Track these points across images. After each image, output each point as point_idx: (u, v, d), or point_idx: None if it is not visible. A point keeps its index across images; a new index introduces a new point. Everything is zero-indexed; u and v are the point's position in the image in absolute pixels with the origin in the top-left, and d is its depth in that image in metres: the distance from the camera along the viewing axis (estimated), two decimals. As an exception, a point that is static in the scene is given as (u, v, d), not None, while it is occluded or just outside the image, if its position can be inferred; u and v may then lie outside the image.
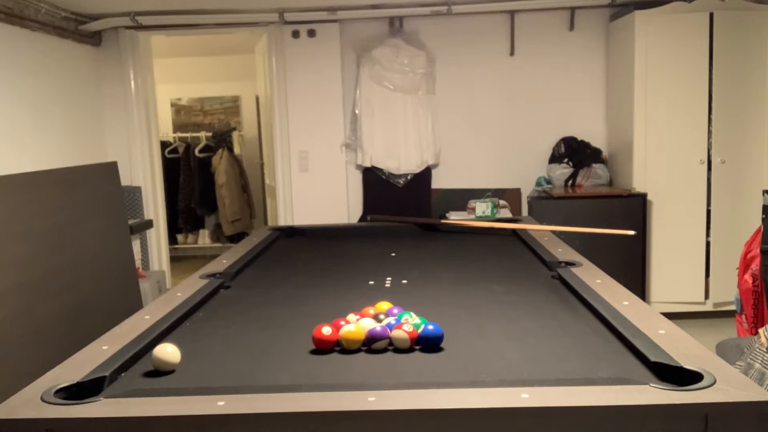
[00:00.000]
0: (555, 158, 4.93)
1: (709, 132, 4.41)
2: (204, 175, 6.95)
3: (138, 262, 4.59)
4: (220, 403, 1.23)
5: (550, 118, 4.99)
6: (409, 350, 1.57)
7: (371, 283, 2.29)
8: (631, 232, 3.04)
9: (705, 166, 4.43)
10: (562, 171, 4.82)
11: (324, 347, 1.58)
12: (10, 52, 3.87)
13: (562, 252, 2.55)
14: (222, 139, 6.99)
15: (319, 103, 4.95)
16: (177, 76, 7.12)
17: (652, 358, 1.38)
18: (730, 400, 1.18)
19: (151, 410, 1.23)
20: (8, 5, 3.79)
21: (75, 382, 1.36)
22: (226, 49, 6.84)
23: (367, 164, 4.96)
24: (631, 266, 4.38)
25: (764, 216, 3.11)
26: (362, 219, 4.40)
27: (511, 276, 2.33)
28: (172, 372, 1.48)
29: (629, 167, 4.58)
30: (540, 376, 1.39)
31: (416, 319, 1.66)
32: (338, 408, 1.22)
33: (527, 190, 4.93)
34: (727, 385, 1.23)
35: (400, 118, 4.92)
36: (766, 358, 2.21)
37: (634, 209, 4.40)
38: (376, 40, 4.89)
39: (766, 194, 3.15)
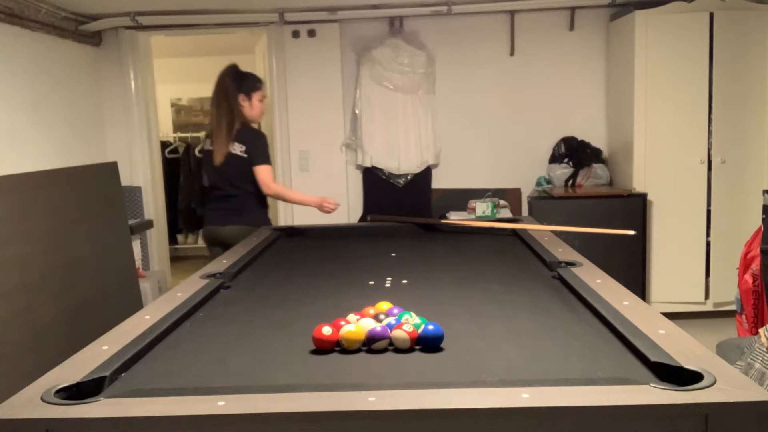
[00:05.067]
0: (555, 158, 4.93)
1: (709, 132, 4.41)
2: (204, 175, 6.94)
3: (138, 262, 4.59)
4: (220, 403, 1.23)
5: (550, 118, 4.99)
6: (409, 350, 1.56)
7: (371, 283, 2.29)
8: (631, 232, 3.04)
9: (705, 166, 4.43)
10: (562, 171, 4.82)
11: (324, 347, 1.58)
12: (10, 52, 3.87)
13: (563, 252, 2.55)
14: (222, 139, 6.99)
15: (319, 103, 4.95)
16: (177, 76, 7.12)
17: (653, 358, 1.38)
18: (731, 400, 1.18)
19: (151, 410, 1.23)
20: (8, 5, 3.80)
21: (75, 382, 1.36)
22: (226, 49, 6.83)
23: (367, 164, 4.96)
24: (631, 266, 4.39)
25: (764, 216, 3.11)
26: (362, 219, 4.39)
27: (512, 276, 2.33)
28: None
29: (629, 167, 4.58)
30: (540, 376, 1.39)
31: (416, 319, 1.65)
32: (338, 408, 1.22)
33: (527, 190, 4.93)
34: (728, 385, 1.23)
35: (400, 118, 4.93)
36: (766, 358, 2.21)
37: (634, 209, 4.40)
38: (376, 40, 4.89)
39: (766, 194, 3.15)
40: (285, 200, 3.63)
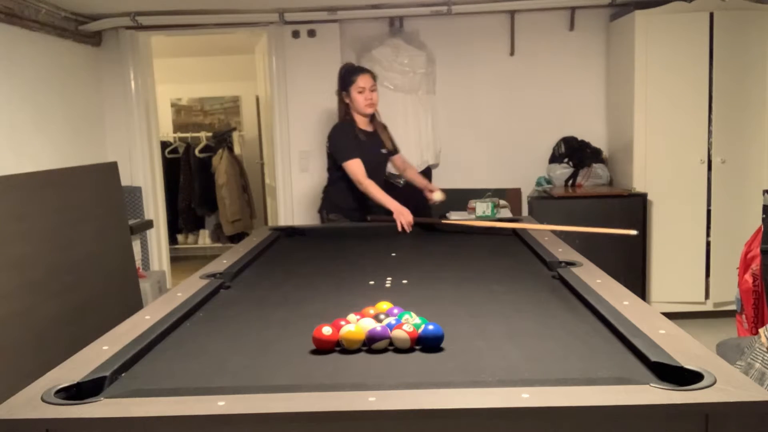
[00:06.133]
0: (555, 158, 4.93)
1: (709, 132, 4.41)
2: (204, 175, 6.95)
3: (138, 262, 4.59)
4: (220, 403, 1.23)
5: (550, 118, 4.99)
6: (410, 350, 1.57)
7: (371, 283, 2.29)
8: (633, 232, 3.04)
9: (705, 166, 4.43)
10: (563, 171, 4.82)
11: (324, 347, 1.58)
12: (10, 52, 3.87)
13: (563, 252, 2.55)
14: (222, 139, 7.00)
15: (319, 103, 4.94)
16: (177, 76, 7.12)
17: (653, 358, 1.38)
18: (731, 400, 1.18)
19: (151, 410, 1.23)
20: (8, 5, 3.79)
21: (75, 382, 1.36)
22: (226, 49, 6.84)
23: (367, 164, 4.95)
24: (631, 266, 4.38)
25: (764, 216, 3.11)
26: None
27: (512, 276, 2.33)
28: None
29: (629, 167, 4.58)
30: (540, 376, 1.39)
31: (416, 319, 1.65)
32: (338, 408, 1.22)
33: (527, 190, 4.93)
34: (728, 385, 1.23)
35: (400, 118, 4.91)
36: (766, 358, 2.21)
37: (634, 209, 4.39)
38: (376, 40, 4.89)
39: (766, 194, 3.15)
40: (372, 198, 3.61)
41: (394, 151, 3.93)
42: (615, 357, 1.48)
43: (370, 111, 3.69)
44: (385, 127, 3.89)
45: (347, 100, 3.67)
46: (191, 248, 7.20)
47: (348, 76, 3.66)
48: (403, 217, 3.36)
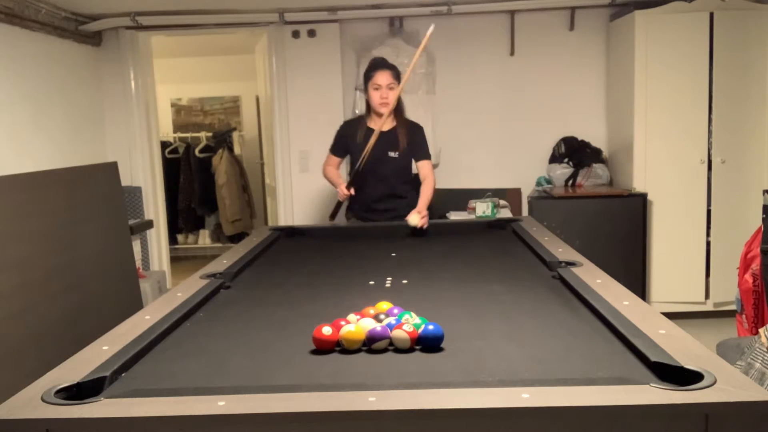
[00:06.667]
0: (555, 158, 4.93)
1: (709, 132, 4.41)
2: (204, 175, 6.95)
3: (138, 262, 4.59)
4: (220, 403, 1.23)
5: (550, 118, 4.99)
6: (410, 350, 1.57)
7: (371, 283, 2.29)
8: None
9: (705, 166, 4.43)
10: (563, 171, 4.82)
11: (324, 347, 1.58)
12: (11, 52, 3.87)
13: (563, 252, 2.55)
14: (222, 139, 7.00)
15: (319, 103, 4.95)
16: (177, 76, 7.12)
17: (653, 358, 1.38)
18: (731, 400, 1.18)
19: (151, 410, 1.23)
20: (8, 5, 3.79)
21: (75, 382, 1.36)
22: (226, 49, 6.84)
23: (368, 164, 4.94)
24: (631, 266, 4.38)
25: (764, 216, 3.11)
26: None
27: (512, 276, 2.33)
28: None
29: (629, 167, 4.57)
30: (540, 376, 1.39)
31: (416, 319, 1.65)
32: (338, 408, 1.22)
33: (527, 190, 4.93)
34: (728, 385, 1.23)
35: (400, 118, 4.91)
36: (766, 358, 2.21)
37: (634, 209, 4.39)
38: (376, 40, 4.89)
39: (766, 194, 3.16)
40: (329, 182, 3.80)
41: (414, 156, 3.61)
42: (615, 357, 1.48)
43: (383, 110, 3.49)
44: (408, 129, 3.61)
45: (366, 96, 3.60)
46: (191, 248, 7.20)
47: (368, 71, 3.56)
48: (340, 189, 3.51)
